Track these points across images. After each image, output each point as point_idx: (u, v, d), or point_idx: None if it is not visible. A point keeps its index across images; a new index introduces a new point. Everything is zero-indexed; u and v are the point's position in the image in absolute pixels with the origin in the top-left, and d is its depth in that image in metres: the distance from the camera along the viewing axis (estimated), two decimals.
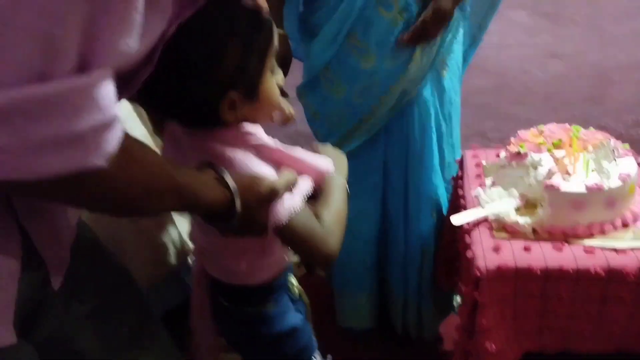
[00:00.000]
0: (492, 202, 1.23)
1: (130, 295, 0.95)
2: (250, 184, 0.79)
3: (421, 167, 1.55)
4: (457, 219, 1.21)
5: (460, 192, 1.38)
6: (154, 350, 0.94)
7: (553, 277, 1.08)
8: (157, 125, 1.20)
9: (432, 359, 1.54)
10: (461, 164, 1.50)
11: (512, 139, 1.30)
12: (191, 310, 1.09)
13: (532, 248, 1.12)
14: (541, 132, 1.32)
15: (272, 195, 0.81)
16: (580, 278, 1.07)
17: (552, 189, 1.14)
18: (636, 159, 1.24)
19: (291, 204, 0.83)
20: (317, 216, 0.87)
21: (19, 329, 0.71)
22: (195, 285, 1.07)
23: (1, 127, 0.49)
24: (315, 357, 1.07)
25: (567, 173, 1.18)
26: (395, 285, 1.68)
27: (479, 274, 1.09)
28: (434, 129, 1.52)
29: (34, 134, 0.50)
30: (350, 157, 1.56)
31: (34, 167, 0.52)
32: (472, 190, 1.32)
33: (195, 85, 0.77)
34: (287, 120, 1.00)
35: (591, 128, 1.33)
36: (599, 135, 1.29)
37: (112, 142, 0.57)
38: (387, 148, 1.55)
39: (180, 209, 0.79)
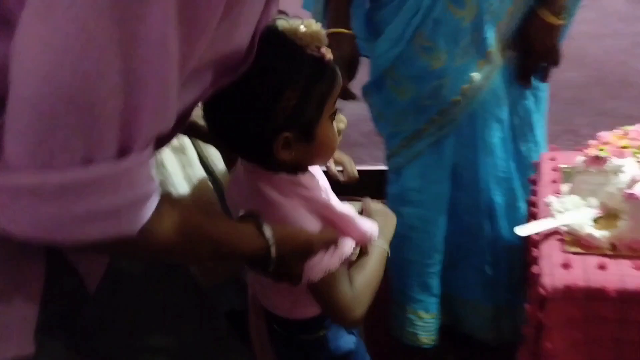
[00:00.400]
0: (565, 211, 1.11)
1: (178, 280, 0.96)
2: (288, 235, 0.83)
3: (496, 167, 1.45)
4: (522, 230, 1.10)
5: (532, 198, 1.26)
6: (206, 333, 0.96)
7: (631, 299, 0.96)
8: (228, 164, 1.25)
9: None
10: (537, 166, 1.38)
11: (591, 142, 1.18)
12: (250, 334, 1.11)
13: (608, 265, 1.00)
14: (626, 134, 1.18)
15: (309, 249, 0.84)
16: None
17: (633, 199, 1.02)
18: None
19: (327, 264, 0.86)
20: (350, 279, 0.89)
21: (56, 324, 0.75)
22: (251, 312, 1.09)
23: (52, 201, 0.59)
24: None
25: None
26: (472, 295, 1.58)
27: (544, 292, 0.98)
28: (502, 125, 1.42)
29: (78, 208, 0.59)
30: (415, 160, 1.52)
31: (75, 233, 0.61)
32: (546, 197, 1.21)
33: (248, 122, 0.81)
34: (350, 179, 1.10)
35: None
36: None
37: (145, 214, 0.64)
38: (456, 150, 1.46)
39: (219, 259, 0.86)
